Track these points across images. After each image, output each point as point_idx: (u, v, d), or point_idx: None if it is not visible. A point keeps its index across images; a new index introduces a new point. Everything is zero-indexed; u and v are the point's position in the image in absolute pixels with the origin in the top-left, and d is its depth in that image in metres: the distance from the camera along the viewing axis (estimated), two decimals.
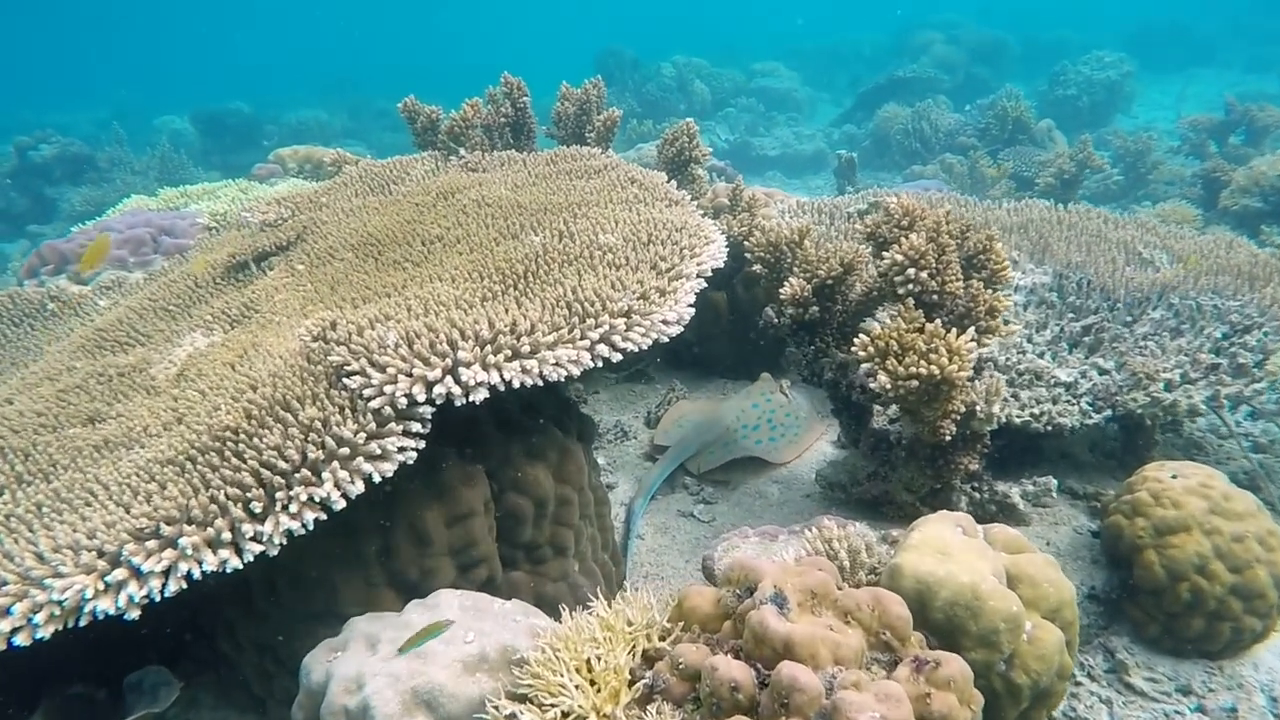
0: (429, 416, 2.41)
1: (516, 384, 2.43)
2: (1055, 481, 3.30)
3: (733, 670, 1.77)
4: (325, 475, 2.24)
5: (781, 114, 17.18)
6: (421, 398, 2.35)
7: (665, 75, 17.98)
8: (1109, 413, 3.44)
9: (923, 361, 2.68)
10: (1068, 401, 3.48)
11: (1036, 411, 3.33)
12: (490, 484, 2.76)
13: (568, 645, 2.00)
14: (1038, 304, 4.13)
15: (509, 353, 2.44)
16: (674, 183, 4.08)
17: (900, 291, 2.93)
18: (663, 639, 2.05)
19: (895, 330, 2.79)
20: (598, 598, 2.19)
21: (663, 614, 2.12)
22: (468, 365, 2.39)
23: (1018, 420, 3.31)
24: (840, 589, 2.01)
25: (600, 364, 2.57)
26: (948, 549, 2.32)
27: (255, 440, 2.32)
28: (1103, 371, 3.64)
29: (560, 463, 2.86)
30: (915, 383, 2.69)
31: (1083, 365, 3.71)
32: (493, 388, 2.44)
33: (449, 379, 2.37)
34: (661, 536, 3.81)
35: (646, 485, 4.00)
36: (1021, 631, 2.20)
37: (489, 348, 2.42)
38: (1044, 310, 4.09)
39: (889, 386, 2.74)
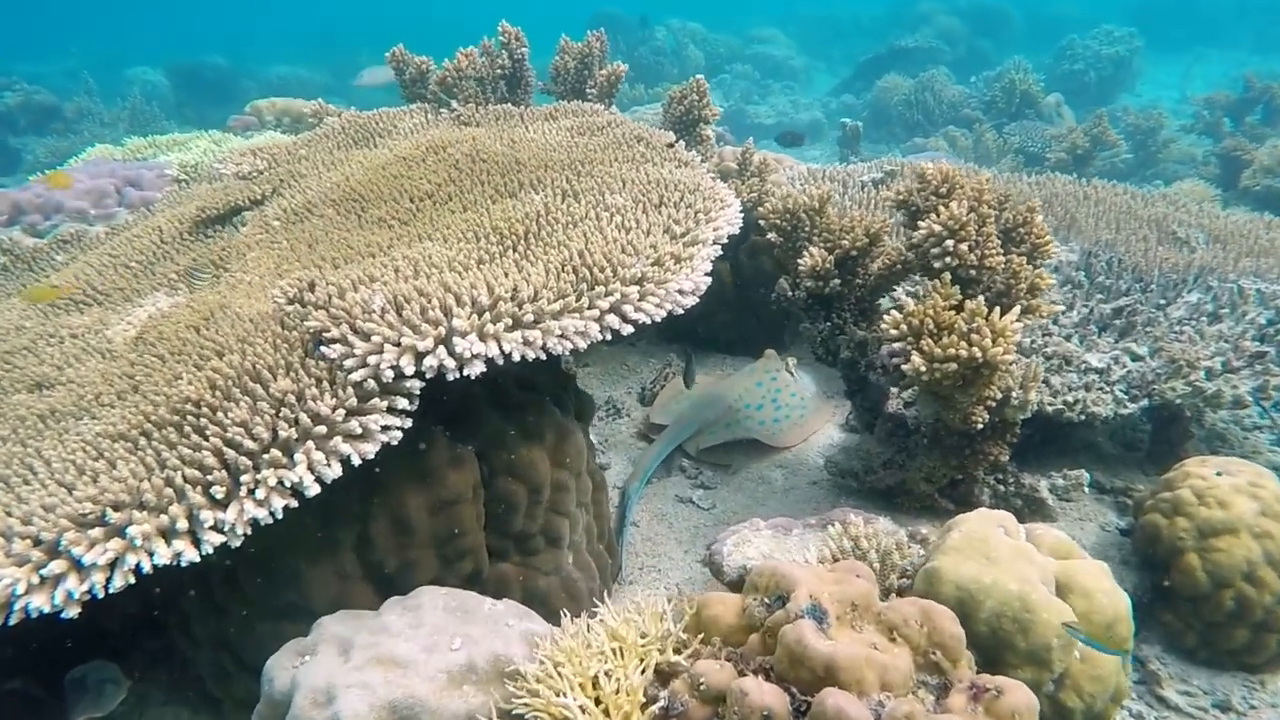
0: (417, 391, 2.14)
1: (517, 356, 2.16)
2: (1088, 475, 3.08)
3: (765, 696, 1.53)
4: (298, 456, 1.97)
5: (777, 82, 16.78)
6: (410, 370, 2.08)
7: (659, 39, 17.51)
8: (1145, 402, 3.22)
9: (963, 343, 2.43)
10: (1100, 389, 3.25)
11: (1070, 399, 3.10)
12: (480, 467, 2.50)
13: (571, 659, 1.75)
14: (1064, 283, 3.89)
15: (509, 322, 2.17)
16: (682, 142, 3.79)
17: (936, 265, 2.68)
18: (678, 651, 1.81)
19: (932, 307, 2.54)
20: (596, 596, 1.94)
21: (677, 621, 1.88)
22: (463, 335, 2.11)
23: (1049, 409, 3.08)
24: (883, 600, 1.77)
25: (609, 336, 2.30)
26: (992, 552, 2.09)
27: (220, 415, 2.04)
28: (1136, 357, 3.42)
29: (558, 444, 2.60)
30: (953, 365, 2.45)
31: (1114, 350, 3.49)
32: (490, 361, 2.16)
33: (442, 350, 2.09)
34: (658, 524, 3.56)
35: (642, 468, 3.75)
36: (1075, 648, 1.98)
37: (487, 315, 2.15)
38: (1071, 290, 3.86)
39: (923, 369, 2.49)
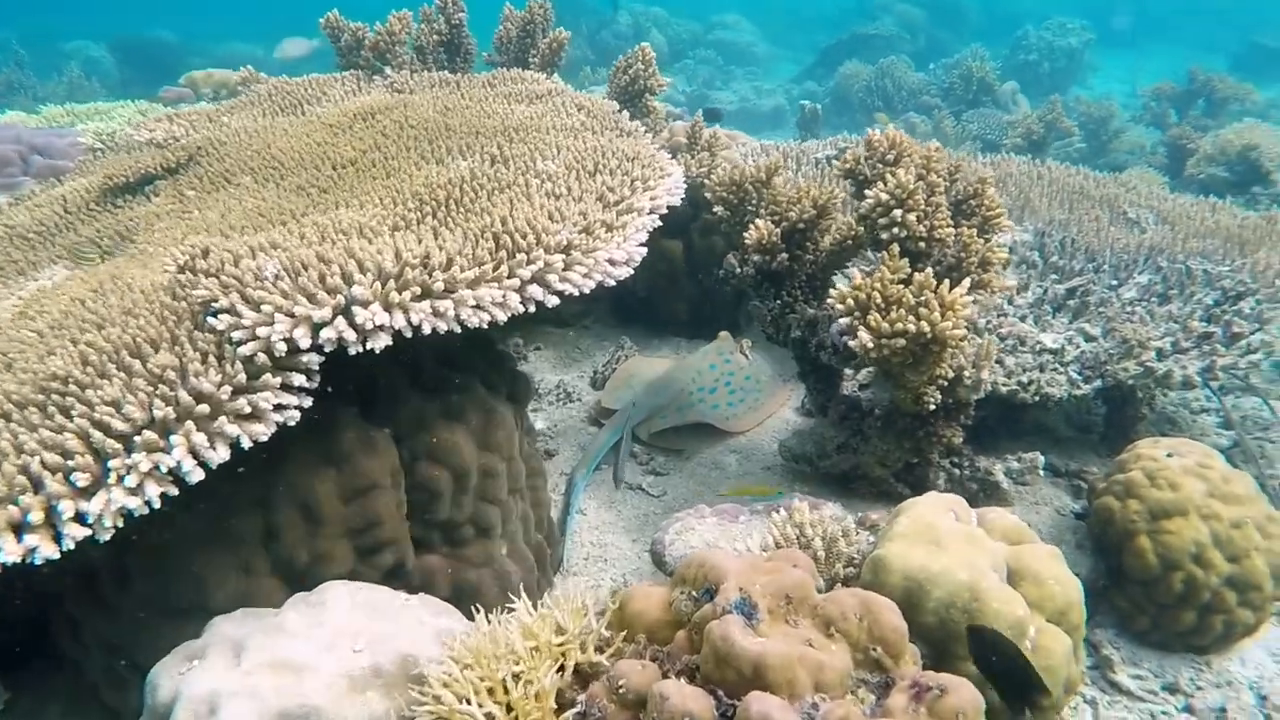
0: (316, 367, 1.94)
1: (427, 329, 1.97)
2: (1043, 458, 2.97)
3: (688, 701, 1.37)
4: (176, 439, 1.76)
5: (740, 68, 16.65)
6: (305, 343, 1.88)
7: (621, 24, 17.27)
8: (1099, 383, 3.13)
9: (911, 317, 2.30)
10: (1055, 370, 3.15)
11: (1024, 380, 2.99)
12: (400, 451, 2.31)
13: (480, 660, 1.58)
14: (1019, 264, 3.79)
15: (417, 290, 1.97)
16: (626, 113, 3.61)
17: (884, 236, 2.54)
18: (601, 650, 1.64)
19: (879, 281, 2.40)
20: (534, 589, 1.77)
21: (602, 617, 1.72)
22: (365, 304, 1.92)
23: (1004, 389, 2.97)
24: (821, 592, 1.62)
25: (532, 308, 2.12)
26: (941, 539, 1.96)
27: (89, 393, 1.82)
28: (1089, 338, 3.33)
29: (485, 427, 2.42)
30: (901, 341, 2.31)
31: (1068, 330, 3.39)
32: (398, 333, 1.97)
33: (340, 321, 1.90)
34: (606, 512, 3.40)
35: (590, 454, 3.58)
36: (1025, 639, 1.86)
37: (392, 284, 1.95)
38: (1026, 271, 3.76)
39: (870, 345, 2.35)
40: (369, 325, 1.90)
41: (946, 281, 2.32)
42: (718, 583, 1.57)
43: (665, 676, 1.48)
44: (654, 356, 4.59)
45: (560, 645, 1.61)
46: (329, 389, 2.19)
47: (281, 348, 1.86)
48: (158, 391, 1.82)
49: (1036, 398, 2.98)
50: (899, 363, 2.42)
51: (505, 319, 2.09)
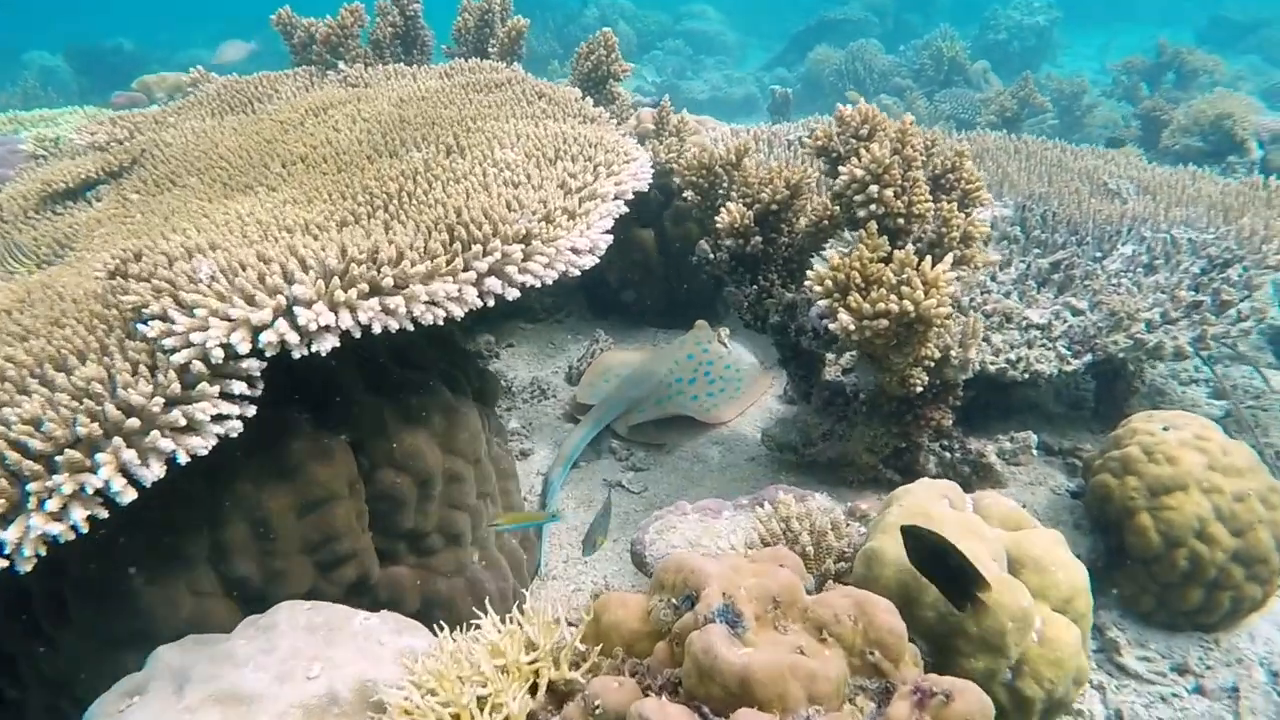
0: (258, 373, 1.80)
1: (377, 328, 1.83)
2: (1035, 437, 2.87)
3: None
4: (103, 457, 1.61)
5: (710, 58, 16.49)
6: (244, 348, 1.73)
7: (589, 16, 17.08)
8: (1089, 357, 3.03)
9: (892, 296, 2.18)
10: (1043, 346, 3.05)
11: (1012, 357, 2.89)
12: (358, 458, 2.17)
13: (443, 683, 1.44)
14: (999, 239, 3.69)
15: (365, 288, 1.83)
16: (590, 100, 3.48)
17: (860, 214, 2.42)
18: (577, 665, 1.51)
19: (857, 260, 2.28)
20: (509, 597, 1.64)
21: (577, 629, 1.59)
22: (308, 304, 1.78)
23: (992, 368, 2.87)
24: (811, 592, 1.50)
25: (490, 302, 1.99)
26: (936, 527, 1.84)
27: (5, 411, 1.67)
28: (1076, 312, 3.23)
29: (448, 429, 2.28)
30: (884, 322, 2.19)
31: (1054, 305, 3.29)
32: (347, 335, 1.83)
33: (282, 322, 1.75)
34: (585, 512, 3.27)
35: (566, 451, 3.45)
36: (1030, 630, 1.75)
37: (337, 281, 1.81)
38: (1008, 246, 3.66)
39: (852, 328, 2.23)
40: (313, 326, 1.76)
41: (928, 258, 2.20)
42: (698, 588, 1.45)
43: (646, 693, 1.35)
44: (630, 349, 4.46)
45: (531, 663, 1.47)
46: (279, 396, 2.05)
47: (218, 354, 1.72)
48: (82, 406, 1.67)
49: (1026, 375, 2.88)
50: (882, 345, 2.31)
51: (462, 314, 1.96)
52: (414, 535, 2.26)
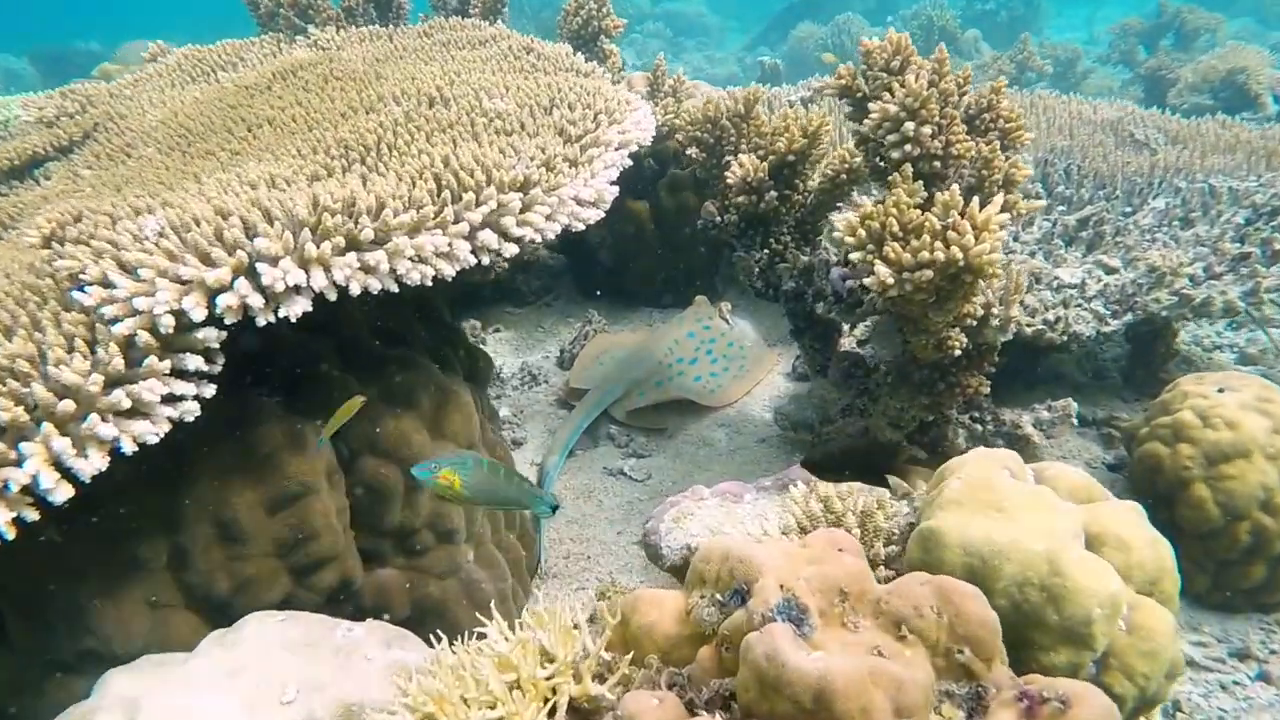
0: (217, 345, 1.53)
1: (355, 289, 1.57)
2: (1075, 405, 2.65)
3: None
4: (30, 448, 1.35)
5: (691, 40, 16.21)
6: (199, 314, 1.47)
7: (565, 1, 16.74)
8: (1129, 317, 2.81)
9: (937, 244, 1.94)
10: (1079, 306, 2.83)
11: (1050, 318, 2.66)
12: (337, 446, 1.91)
13: (443, 707, 1.20)
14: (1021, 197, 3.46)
15: (340, 241, 1.57)
16: (580, 56, 3.22)
17: (894, 156, 2.18)
18: (602, 679, 1.27)
19: (895, 205, 2.04)
20: (509, 598, 1.39)
21: (600, 634, 1.34)
22: (273, 261, 1.51)
23: (1029, 330, 2.64)
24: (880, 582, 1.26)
25: (486, 259, 1.73)
26: (1004, 502, 1.61)
27: None
28: (1110, 270, 3.00)
29: (438, 410, 2.02)
30: (927, 274, 1.96)
31: (1085, 264, 3.07)
32: (321, 298, 1.58)
33: (243, 283, 1.49)
34: (585, 503, 3.02)
35: (562, 439, 3.19)
36: (1119, 618, 1.52)
37: (307, 234, 1.55)
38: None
39: (890, 282, 1.99)
40: (280, 287, 1.50)
41: (975, 200, 1.97)
42: (750, 580, 1.20)
43: (692, 713, 1.11)
44: (625, 330, 4.21)
45: (548, 678, 1.23)
46: (244, 376, 1.79)
47: (168, 322, 1.45)
48: (5, 389, 1.40)
49: (1064, 337, 2.66)
50: (922, 301, 2.07)
51: (454, 273, 1.70)
52: (402, 532, 2.01)
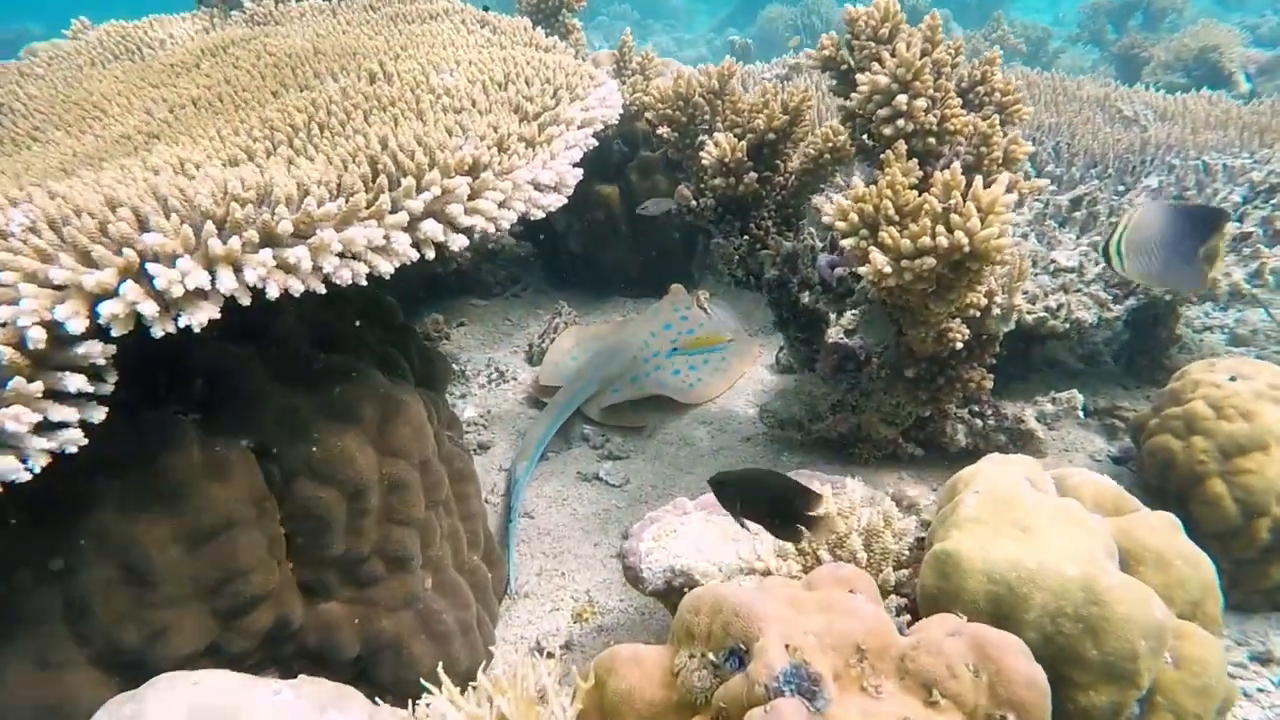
0: (104, 361, 1.29)
1: (274, 292, 1.33)
2: (1081, 397, 2.47)
3: None
4: None
5: (658, 22, 15.93)
6: (78, 325, 1.22)
7: None
8: (1131, 301, 2.64)
9: (939, 228, 1.73)
10: (1078, 291, 2.65)
11: (1051, 304, 2.48)
12: (266, 469, 1.67)
13: None
14: None
15: (254, 236, 1.33)
16: (541, 30, 2.97)
17: (886, 132, 1.97)
18: None
19: (889, 185, 1.83)
20: (474, 629, 1.17)
21: (571, 700, 1.12)
22: (170, 259, 1.27)
23: (1029, 318, 2.46)
24: (903, 634, 1.06)
25: (429, 253, 1.50)
26: (1028, 519, 1.42)
27: None
28: None
29: (385, 423, 1.79)
30: (929, 261, 1.75)
31: (1080, 246, 2.90)
32: (232, 302, 1.33)
33: (132, 287, 1.24)
34: (557, 511, 2.80)
35: (532, 441, 2.97)
36: (1165, 650, 1.33)
37: (211, 227, 1.30)
38: None
39: (888, 271, 1.79)
40: (178, 291, 1.25)
41: (978, 179, 1.77)
42: (749, 637, 0.99)
43: None
44: (598, 322, 3.98)
45: None
46: (150, 392, 1.55)
47: (37, 336, 1.20)
48: None
49: (1067, 324, 2.47)
50: (921, 292, 1.87)
51: (392, 270, 1.47)
52: (347, 562, 1.78)
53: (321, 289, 1.38)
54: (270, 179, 1.45)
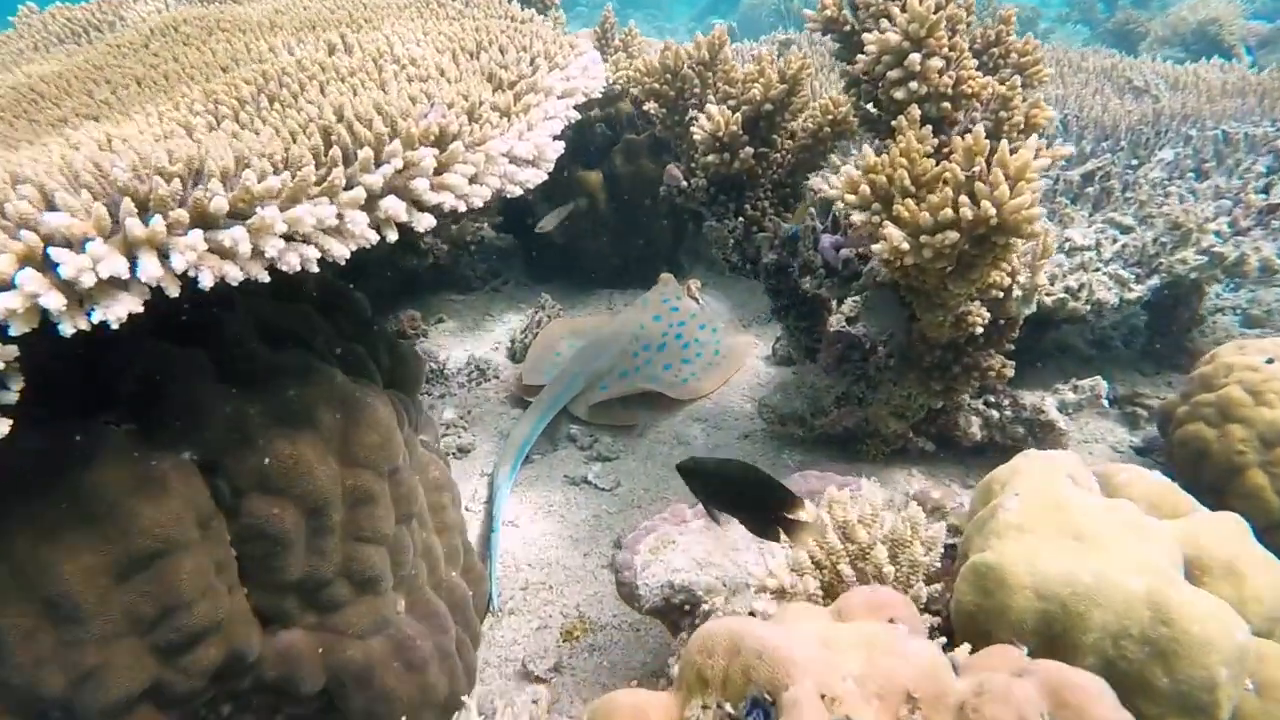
0: (2, 365, 1.09)
1: (207, 281, 1.14)
2: (1106, 384, 2.31)
3: None
4: None
5: (638, 11, 15.68)
6: None
7: None
8: (1154, 280, 2.48)
9: (962, 198, 1.56)
10: (1097, 270, 2.49)
11: (1072, 284, 2.31)
12: (214, 484, 1.48)
13: None
14: None
15: (182, 216, 1.13)
16: (517, 3, 2.78)
17: (898, 95, 1.79)
18: None
19: (903, 153, 1.65)
20: (454, 655, 0.98)
21: None
22: (77, 244, 1.07)
23: (1049, 299, 2.29)
24: (959, 677, 0.88)
25: (392, 235, 1.31)
26: (1081, 525, 1.24)
27: None
28: (1125, 229, 2.67)
29: (348, 429, 1.59)
30: (952, 235, 1.58)
31: (1095, 223, 2.74)
32: (159, 294, 1.14)
33: (33, 277, 1.05)
34: (544, 520, 2.61)
35: (515, 443, 2.78)
36: (1245, 676, 1.16)
37: (130, 205, 1.11)
38: None
39: (905, 248, 1.61)
40: (88, 281, 1.06)
41: (1004, 144, 1.59)
42: (776, 686, 0.81)
43: None
44: (583, 315, 3.80)
45: None
46: (72, 400, 1.35)
47: None
48: None
49: (1088, 305, 2.31)
50: (939, 271, 1.69)
51: (348, 254, 1.28)
52: (309, 585, 1.58)
53: (266, 277, 1.19)
54: (204, 151, 1.25)
